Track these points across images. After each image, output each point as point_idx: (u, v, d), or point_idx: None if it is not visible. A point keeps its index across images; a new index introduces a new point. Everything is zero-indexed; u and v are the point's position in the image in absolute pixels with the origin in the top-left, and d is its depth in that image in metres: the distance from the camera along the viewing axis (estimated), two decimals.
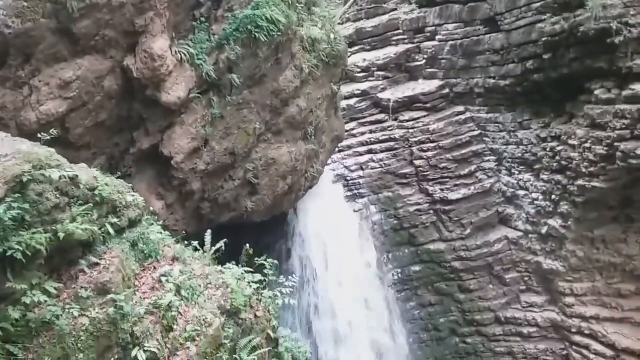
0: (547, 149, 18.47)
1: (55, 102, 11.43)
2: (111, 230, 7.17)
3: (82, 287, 6.47)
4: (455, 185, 20.98)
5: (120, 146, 13.10)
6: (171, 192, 13.81)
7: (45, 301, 5.98)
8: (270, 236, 18.94)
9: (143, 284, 7.41)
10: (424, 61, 22.69)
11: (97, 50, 11.37)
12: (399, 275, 20.97)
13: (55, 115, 11.49)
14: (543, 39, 17.45)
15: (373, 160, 21.79)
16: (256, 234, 16.18)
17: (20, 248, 5.72)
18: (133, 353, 6.56)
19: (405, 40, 23.38)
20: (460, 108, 21.71)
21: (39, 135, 7.97)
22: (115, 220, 7.33)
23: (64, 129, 11.82)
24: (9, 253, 5.63)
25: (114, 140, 12.91)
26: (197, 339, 7.16)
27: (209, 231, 9.33)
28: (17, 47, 10.68)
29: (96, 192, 7.06)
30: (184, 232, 12.31)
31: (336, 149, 20.69)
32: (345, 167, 21.87)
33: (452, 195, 20.87)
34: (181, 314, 7.28)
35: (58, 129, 11.73)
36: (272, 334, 8.49)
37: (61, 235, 6.26)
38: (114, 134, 12.78)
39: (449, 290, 21.04)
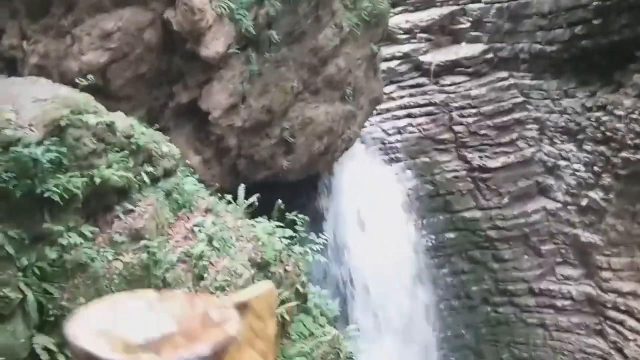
0: (592, 119, 17.94)
1: (96, 53, 11.56)
2: (146, 179, 7.26)
3: (116, 232, 6.60)
4: (495, 153, 20.60)
5: (160, 100, 13.19)
6: (208, 148, 13.91)
7: (81, 244, 6.11)
8: (305, 196, 18.98)
9: (176, 233, 7.51)
10: (468, 24, 22.10)
11: (138, 2, 11.40)
12: (433, 241, 20.85)
13: (96, 66, 11.62)
14: (594, 3, 16.81)
15: (411, 125, 21.49)
16: (291, 193, 16.22)
17: (58, 191, 5.83)
18: None
19: (450, 2, 22.77)
20: (504, 74, 21.16)
21: (77, 81, 8.03)
22: (150, 169, 7.40)
23: (105, 80, 11.96)
24: (46, 195, 5.74)
25: (153, 94, 13.01)
26: (227, 289, 7.26)
27: (242, 185, 9.38)
28: None
29: (132, 140, 7.13)
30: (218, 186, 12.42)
31: (374, 112, 20.48)
32: (383, 130, 21.63)
33: (491, 163, 20.52)
34: (212, 264, 7.38)
35: (99, 80, 11.99)
36: (301, 289, 8.55)
37: (97, 180, 6.37)
38: (153, 87, 12.87)
39: (482, 259, 20.86)
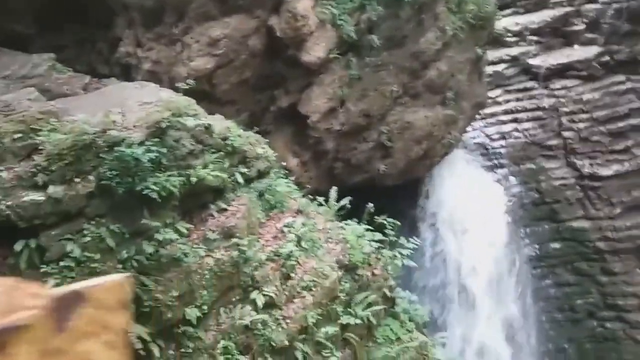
0: None
1: (204, 59, 12.18)
2: (240, 179, 7.58)
3: (210, 229, 6.95)
4: (608, 160, 19.50)
5: (262, 104, 13.65)
6: (306, 151, 14.20)
7: (176, 239, 6.49)
8: (402, 202, 18.85)
9: (267, 232, 7.77)
10: (583, 26, 21.03)
11: (244, 10, 11.88)
12: (537, 251, 20.03)
13: (204, 71, 12.25)
14: None
15: (517, 130, 20.75)
16: (389, 198, 16.19)
17: (156, 189, 6.23)
18: (252, 295, 6.96)
19: (564, 3, 21.74)
20: (621, 77, 20.03)
21: (183, 85, 8.46)
22: (244, 170, 7.72)
23: (211, 85, 12.59)
24: (145, 192, 6.16)
25: (256, 98, 13.49)
26: (313, 289, 7.42)
27: (334, 188, 9.51)
28: (172, 6, 11.50)
29: (228, 142, 7.47)
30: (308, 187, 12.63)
31: (477, 116, 19.98)
32: (487, 135, 21.04)
33: (603, 171, 19.43)
34: (300, 264, 7.57)
35: (206, 85, 12.61)
36: (388, 293, 8.56)
37: (194, 180, 6.74)
38: (256, 91, 13.34)
39: (590, 271, 19.78)
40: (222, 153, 7.32)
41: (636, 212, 19.35)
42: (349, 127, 13.94)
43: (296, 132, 14.03)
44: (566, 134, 20.08)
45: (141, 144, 6.21)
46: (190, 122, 6.72)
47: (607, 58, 20.22)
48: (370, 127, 14.46)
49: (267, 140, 10.13)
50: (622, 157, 19.39)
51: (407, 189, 18.08)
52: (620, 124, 19.58)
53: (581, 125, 19.87)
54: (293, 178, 11.49)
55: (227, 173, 7.37)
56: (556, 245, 19.98)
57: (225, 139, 7.43)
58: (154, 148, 6.28)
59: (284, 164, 11.52)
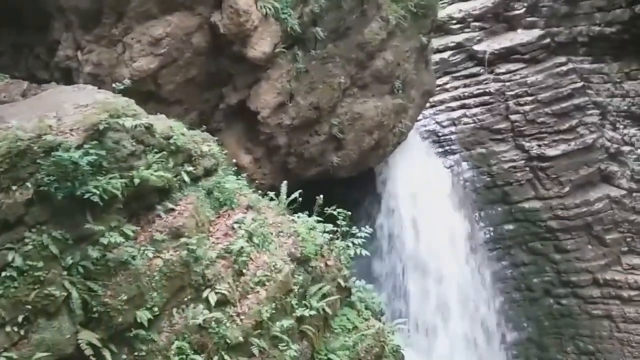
0: None
1: (147, 59, 11.98)
2: (187, 178, 7.50)
3: (157, 230, 6.85)
4: (554, 141, 20.03)
5: (210, 102, 13.52)
6: (259, 147, 14.14)
7: (123, 242, 6.38)
8: (359, 192, 19.00)
9: (217, 230, 7.71)
10: (523, 10, 21.56)
11: (185, 7, 11.73)
12: (491, 234, 20.47)
13: (147, 72, 12.05)
14: None
15: (466, 116, 21.16)
16: (344, 190, 16.28)
17: (98, 192, 6.11)
18: (205, 294, 6.91)
19: None
20: (562, 59, 20.57)
21: (119, 85, 8.31)
22: (190, 168, 7.64)
23: (156, 85, 12.39)
24: (86, 196, 6.03)
25: (204, 97, 13.35)
26: (267, 284, 7.40)
27: (284, 182, 9.50)
28: (110, 6, 11.25)
29: (171, 141, 7.38)
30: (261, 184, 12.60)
31: (427, 104, 20.23)
32: (437, 122, 21.39)
33: (551, 152, 19.96)
34: (252, 260, 7.54)
35: (151, 85, 12.40)
36: (343, 283, 8.60)
37: (137, 181, 6.62)
38: (204, 90, 13.20)
39: (544, 250, 20.34)
40: (165, 153, 7.22)
41: (584, 189, 19.93)
42: (299, 121, 13.92)
43: (247, 128, 13.95)
44: (513, 117, 20.54)
45: (79, 147, 6.08)
46: (129, 122, 6.60)
47: (548, 40, 20.73)
48: (321, 119, 14.47)
49: (217, 138, 10.05)
50: (568, 137, 19.94)
51: (363, 179, 18.23)
52: (564, 105, 20.11)
53: (527, 107, 20.35)
54: (246, 175, 11.45)
55: (172, 173, 7.28)
56: (510, 226, 20.46)
57: (168, 138, 7.34)
58: (92, 151, 6.15)
59: (235, 161, 11.47)
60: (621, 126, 18.96)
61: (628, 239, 19.28)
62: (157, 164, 7.01)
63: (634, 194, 18.86)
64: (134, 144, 6.77)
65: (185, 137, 7.69)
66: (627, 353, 19.39)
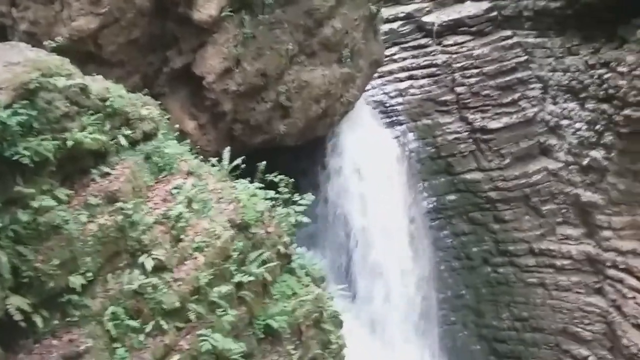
0: (595, 77, 17.72)
1: (86, 18, 11.58)
2: (124, 142, 7.32)
3: (92, 195, 6.69)
4: (497, 113, 20.44)
5: (154, 65, 13.20)
6: (204, 113, 13.93)
7: (55, 206, 6.21)
8: (306, 161, 19.02)
9: (155, 195, 7.59)
10: None
11: None
12: (434, 204, 20.89)
13: (87, 32, 11.66)
14: None
15: (413, 87, 21.31)
16: (292, 159, 16.27)
17: (28, 154, 5.90)
18: (141, 260, 6.82)
19: None
20: (508, 32, 20.89)
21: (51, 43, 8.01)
22: (128, 132, 7.46)
23: (96, 45, 12.00)
24: (16, 158, 5.83)
25: (147, 59, 13.02)
26: (205, 250, 7.36)
27: (227, 148, 9.40)
28: None
29: (108, 103, 7.17)
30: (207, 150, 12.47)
31: (376, 74, 20.27)
32: (385, 93, 21.46)
33: (493, 124, 20.38)
34: (191, 226, 7.47)
35: (92, 46, 12.00)
36: (283, 250, 8.64)
37: (70, 143, 6.43)
38: (147, 52, 12.86)
39: (483, 220, 20.91)
40: (101, 115, 7.02)
41: (523, 162, 20.50)
42: (246, 88, 13.74)
43: (192, 94, 13.72)
44: (459, 89, 20.82)
45: (8, 106, 5.83)
46: (62, 82, 6.36)
47: (494, 13, 20.99)
48: (268, 87, 14.33)
49: (160, 102, 9.83)
50: (510, 110, 20.36)
51: (311, 148, 18.23)
52: (508, 78, 20.49)
53: (472, 80, 20.64)
54: (190, 141, 11.28)
55: (109, 136, 7.09)
56: (452, 197, 20.90)
57: (104, 100, 7.12)
58: (22, 111, 5.92)
59: (178, 126, 11.24)
60: (561, 100, 19.46)
61: (563, 210, 19.99)
62: (92, 126, 6.81)
63: (570, 167, 19.48)
64: (67, 104, 6.54)
65: (123, 100, 7.48)
66: (559, 319, 20.30)
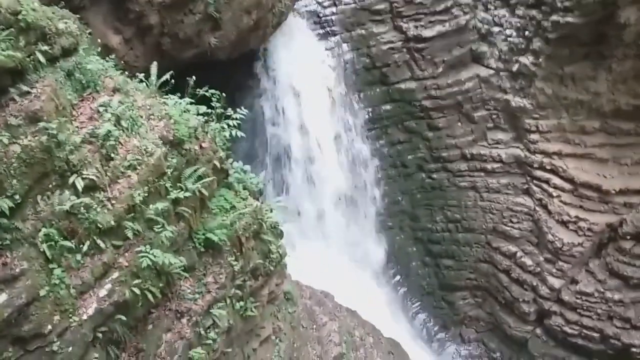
0: None
1: None
2: (42, 59, 6.92)
3: (12, 115, 6.37)
4: (430, 22, 20.31)
5: None
6: (128, 27, 13.34)
7: None
8: (240, 75, 18.68)
9: (81, 114, 7.31)
10: None
11: None
12: (370, 114, 21.03)
13: None
14: None
15: None
16: (226, 73, 15.94)
17: None
18: (71, 180, 6.65)
19: None
20: None
21: None
22: (45, 48, 7.03)
23: None
24: None
25: None
26: (138, 167, 7.24)
27: (154, 63, 9.06)
28: None
29: (20, 17, 6.69)
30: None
31: None
32: (318, 3, 20.92)
33: (427, 33, 20.29)
34: (121, 144, 7.29)
35: None
36: (219, 165, 8.60)
37: None
38: None
39: (418, 128, 21.27)
40: (13, 30, 6.58)
41: (456, 70, 20.69)
42: None
43: (115, 6, 13.06)
44: None
45: None
46: None
47: None
48: None
49: (79, 16, 9.27)
50: (443, 18, 20.27)
51: (244, 61, 17.86)
52: None
53: None
54: (116, 57, 10.78)
55: (24, 52, 6.67)
56: (387, 107, 21.06)
57: (15, 13, 6.64)
58: None
59: (100, 41, 10.71)
60: (492, 7, 19.52)
61: (494, 116, 20.53)
62: (4, 42, 6.38)
63: (501, 73, 19.85)
64: None
65: (37, 13, 6.99)
66: (489, 219, 21.31)
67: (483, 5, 19.91)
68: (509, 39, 19.04)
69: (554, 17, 16.91)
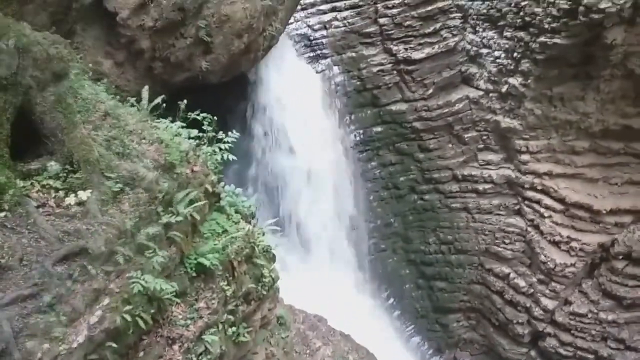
0: (512, 5, 18.10)
1: None
2: (32, 84, 6.90)
3: None
4: (420, 44, 20.57)
5: (63, 1, 12.42)
6: (120, 51, 13.37)
7: None
8: (231, 98, 18.72)
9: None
10: None
11: None
12: (361, 136, 21.13)
13: None
14: None
15: (337, 19, 21.07)
16: (217, 96, 15.98)
17: None
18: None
19: None
20: None
21: None
22: (36, 73, 7.02)
23: None
24: None
25: None
26: (129, 192, 7.19)
27: (145, 87, 9.07)
28: None
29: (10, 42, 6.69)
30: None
31: (298, 7, 19.88)
32: (309, 26, 21.15)
33: (416, 55, 20.52)
34: (111, 169, 7.24)
35: None
36: (211, 189, 8.56)
37: None
38: None
39: (409, 150, 21.39)
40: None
41: (446, 91, 20.90)
42: (163, 23, 13.23)
43: (106, 31, 13.09)
44: (382, 20, 20.74)
45: None
46: None
47: None
48: (186, 21, 13.83)
49: (70, 41, 9.30)
50: (432, 40, 20.53)
51: (236, 85, 17.92)
52: (429, 8, 20.54)
53: (395, 10, 20.58)
54: (108, 81, 10.79)
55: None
56: (378, 128, 21.19)
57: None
58: None
59: (92, 66, 10.74)
60: (480, 29, 19.78)
61: (484, 137, 20.68)
62: None
63: (491, 94, 20.04)
64: None
65: (27, 39, 7.00)
66: (481, 240, 21.32)
67: (472, 27, 20.18)
68: (497, 60, 19.25)
69: (542, 39, 17.11)
